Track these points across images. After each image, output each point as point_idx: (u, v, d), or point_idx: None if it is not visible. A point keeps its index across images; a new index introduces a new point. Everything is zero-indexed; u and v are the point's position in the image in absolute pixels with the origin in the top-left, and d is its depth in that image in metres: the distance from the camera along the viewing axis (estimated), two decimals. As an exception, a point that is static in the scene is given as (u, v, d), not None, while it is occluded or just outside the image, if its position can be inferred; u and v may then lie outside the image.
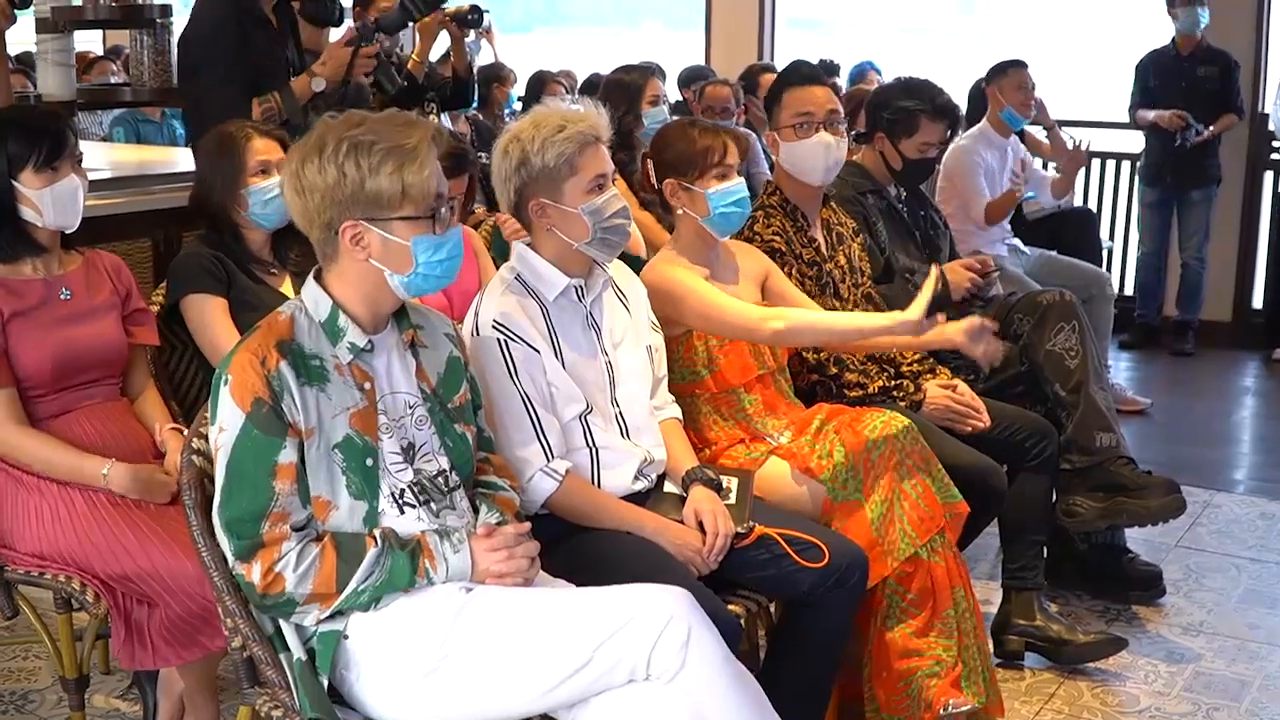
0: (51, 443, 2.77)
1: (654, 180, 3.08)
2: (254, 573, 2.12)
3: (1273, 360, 6.86)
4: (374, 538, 2.18)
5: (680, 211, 3.06)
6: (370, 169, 2.14)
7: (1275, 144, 7.18)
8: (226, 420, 2.14)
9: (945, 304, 3.82)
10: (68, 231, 2.90)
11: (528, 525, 2.33)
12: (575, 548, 2.57)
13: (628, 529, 2.64)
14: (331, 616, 2.17)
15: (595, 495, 2.66)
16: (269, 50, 3.98)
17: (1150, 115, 6.78)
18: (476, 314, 2.64)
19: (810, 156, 3.40)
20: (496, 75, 7.70)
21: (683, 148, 3.03)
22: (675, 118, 4.43)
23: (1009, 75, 5.52)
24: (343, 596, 2.14)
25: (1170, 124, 6.67)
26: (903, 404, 3.28)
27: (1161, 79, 6.81)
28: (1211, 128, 6.68)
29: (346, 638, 2.17)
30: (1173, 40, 6.82)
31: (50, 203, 2.81)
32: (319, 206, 2.17)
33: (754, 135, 5.70)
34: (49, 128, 2.86)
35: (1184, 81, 6.73)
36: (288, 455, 2.14)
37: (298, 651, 2.17)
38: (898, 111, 3.87)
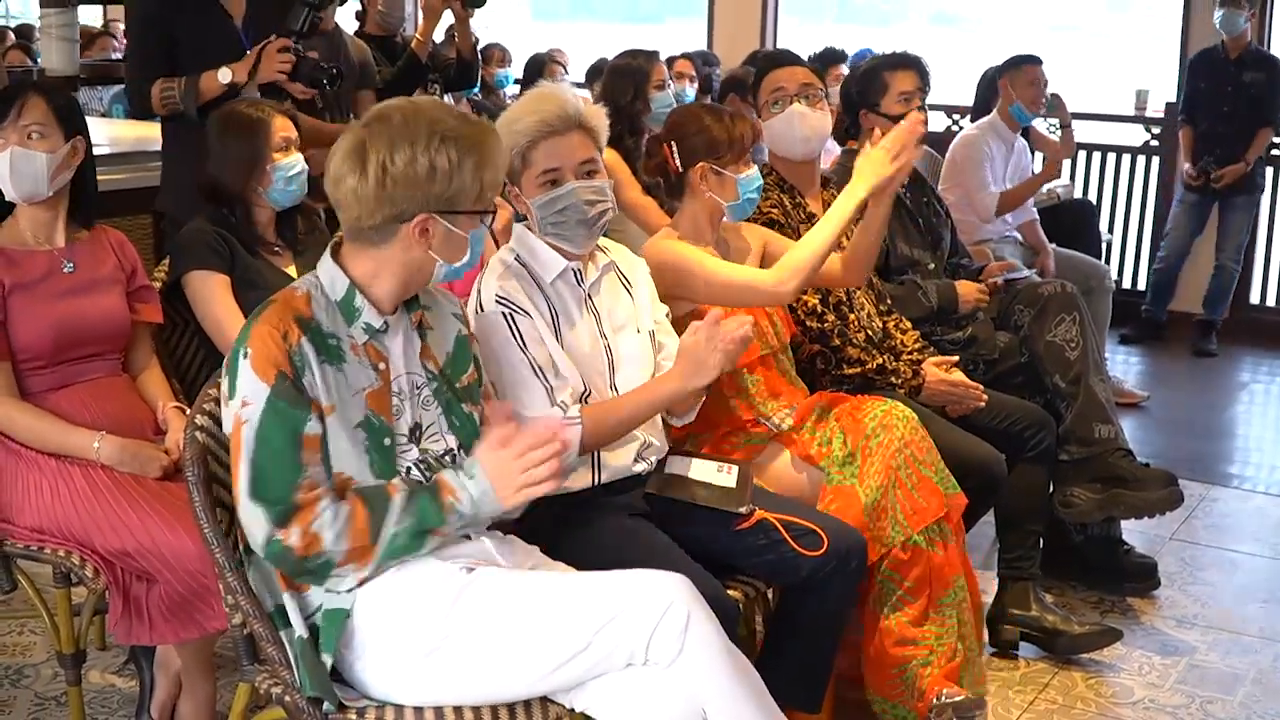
0: (42, 416, 2.77)
1: (678, 163, 3.01)
2: (293, 536, 2.09)
3: None
4: (394, 486, 2.18)
5: (708, 195, 3.00)
6: (457, 164, 2.16)
7: (1275, 139, 7.15)
8: (249, 393, 2.11)
9: (952, 312, 3.84)
10: (22, 203, 2.85)
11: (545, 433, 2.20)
12: (576, 532, 2.57)
13: (658, 412, 2.67)
14: (336, 594, 2.16)
15: (613, 409, 2.61)
16: (209, 43, 3.69)
17: (1185, 167, 6.82)
18: (479, 293, 2.63)
19: (785, 128, 3.42)
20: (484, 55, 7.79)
21: (718, 133, 3.00)
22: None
23: (1023, 70, 5.42)
24: (380, 547, 2.13)
25: (1196, 181, 6.72)
26: (901, 390, 3.28)
27: (1209, 81, 6.78)
28: (1233, 165, 6.67)
29: (350, 616, 2.17)
30: (1221, 41, 6.77)
31: None
32: (396, 195, 2.14)
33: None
34: None
35: (1230, 86, 6.70)
36: (313, 427, 2.13)
37: (299, 629, 2.17)
38: (861, 80, 3.96)
